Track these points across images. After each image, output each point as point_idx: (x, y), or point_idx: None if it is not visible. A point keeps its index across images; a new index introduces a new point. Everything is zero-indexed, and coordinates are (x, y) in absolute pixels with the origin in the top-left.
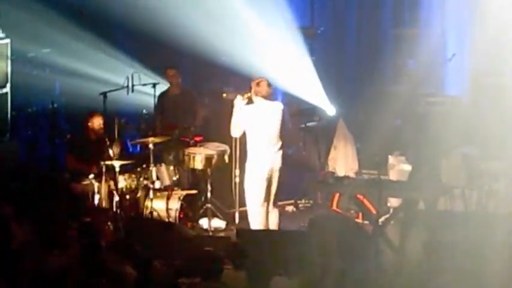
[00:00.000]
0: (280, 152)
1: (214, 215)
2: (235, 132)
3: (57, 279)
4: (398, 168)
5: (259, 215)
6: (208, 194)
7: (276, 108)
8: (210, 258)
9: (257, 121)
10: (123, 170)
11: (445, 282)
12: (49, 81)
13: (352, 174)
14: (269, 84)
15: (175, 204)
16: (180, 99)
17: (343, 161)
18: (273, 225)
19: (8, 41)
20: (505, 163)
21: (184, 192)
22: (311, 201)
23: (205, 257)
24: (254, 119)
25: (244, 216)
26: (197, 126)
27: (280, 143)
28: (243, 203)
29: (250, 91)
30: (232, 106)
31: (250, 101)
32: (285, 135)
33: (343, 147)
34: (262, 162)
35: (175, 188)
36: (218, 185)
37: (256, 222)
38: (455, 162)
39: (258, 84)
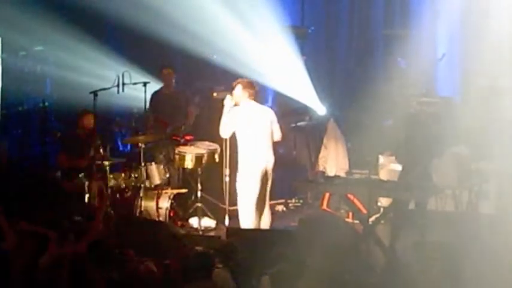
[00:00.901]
0: (272, 152)
1: (204, 214)
2: (225, 133)
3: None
4: (389, 168)
5: (252, 214)
6: (199, 193)
7: (268, 113)
8: (200, 258)
9: (249, 123)
10: (114, 168)
11: (434, 281)
12: (40, 79)
13: (342, 174)
14: (254, 85)
15: (165, 203)
16: (173, 98)
17: (333, 160)
18: (266, 225)
19: None
20: (495, 163)
21: (175, 191)
22: (301, 201)
23: (196, 257)
24: (246, 121)
25: (234, 215)
26: (188, 125)
27: (271, 144)
28: (233, 202)
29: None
30: (222, 105)
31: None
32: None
33: (333, 147)
34: (255, 163)
35: (166, 187)
36: (208, 184)
37: (248, 222)
38: (447, 163)
39: (247, 87)
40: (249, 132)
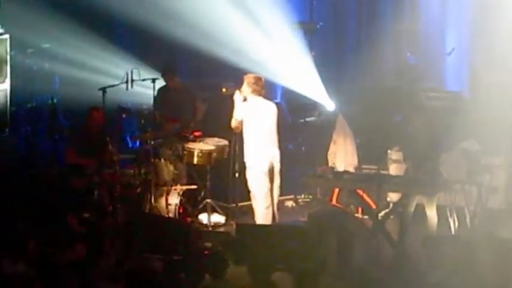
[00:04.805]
0: (277, 147)
1: (213, 210)
2: (235, 127)
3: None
4: (398, 163)
5: (266, 209)
6: (208, 189)
7: (271, 107)
8: (217, 257)
9: (253, 117)
10: (123, 165)
11: (444, 276)
12: (48, 76)
13: (351, 169)
14: (260, 81)
15: (174, 200)
16: (179, 94)
17: (342, 156)
18: (276, 219)
19: (7, 36)
20: (505, 158)
21: (184, 187)
22: (311, 196)
23: (212, 255)
24: (250, 116)
25: (243, 211)
26: (197, 121)
27: (276, 139)
28: (242, 198)
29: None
30: (231, 101)
31: (246, 98)
32: (285, 130)
33: (342, 142)
34: (262, 158)
35: (175, 183)
36: (217, 180)
37: (263, 218)
38: (456, 157)
39: (256, 83)
40: (253, 127)
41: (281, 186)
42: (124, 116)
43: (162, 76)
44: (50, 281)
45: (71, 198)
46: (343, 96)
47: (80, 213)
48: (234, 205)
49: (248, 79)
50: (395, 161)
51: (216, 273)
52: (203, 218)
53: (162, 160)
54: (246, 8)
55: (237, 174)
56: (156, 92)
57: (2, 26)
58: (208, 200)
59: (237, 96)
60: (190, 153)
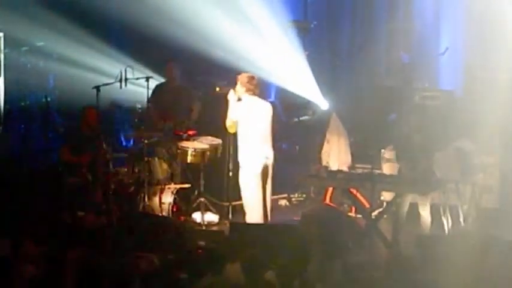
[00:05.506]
0: (271, 147)
1: (207, 209)
2: (230, 128)
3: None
4: (392, 162)
5: (257, 210)
6: (202, 188)
7: (266, 107)
8: (212, 253)
9: (247, 117)
10: (117, 163)
11: (437, 275)
12: (42, 74)
13: (345, 168)
14: (254, 80)
15: (168, 198)
16: (176, 93)
17: (336, 155)
18: (268, 219)
19: (1, 34)
20: (498, 158)
21: (178, 186)
22: (304, 195)
23: (207, 252)
24: (245, 115)
25: (237, 210)
26: (192, 120)
27: (270, 139)
28: (236, 197)
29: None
30: (225, 100)
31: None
32: (279, 129)
33: (336, 142)
34: (255, 158)
35: (169, 182)
36: (211, 178)
37: (253, 217)
38: (450, 157)
39: (250, 82)
40: (248, 127)
41: (274, 185)
42: (117, 112)
43: (166, 63)
44: (52, 280)
45: (65, 197)
46: (337, 95)
47: (74, 212)
48: (227, 204)
49: (242, 78)
50: (388, 160)
51: (214, 271)
52: (197, 216)
53: (156, 159)
54: (240, 6)
55: (231, 173)
56: (154, 87)
57: None
58: (202, 199)
59: (232, 96)
60: (184, 152)
